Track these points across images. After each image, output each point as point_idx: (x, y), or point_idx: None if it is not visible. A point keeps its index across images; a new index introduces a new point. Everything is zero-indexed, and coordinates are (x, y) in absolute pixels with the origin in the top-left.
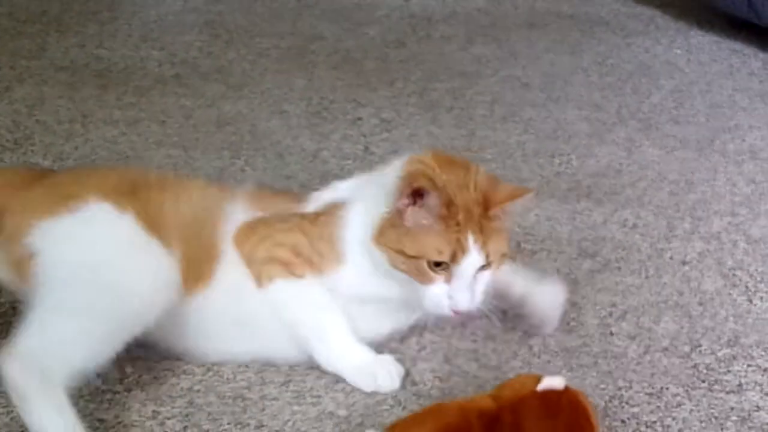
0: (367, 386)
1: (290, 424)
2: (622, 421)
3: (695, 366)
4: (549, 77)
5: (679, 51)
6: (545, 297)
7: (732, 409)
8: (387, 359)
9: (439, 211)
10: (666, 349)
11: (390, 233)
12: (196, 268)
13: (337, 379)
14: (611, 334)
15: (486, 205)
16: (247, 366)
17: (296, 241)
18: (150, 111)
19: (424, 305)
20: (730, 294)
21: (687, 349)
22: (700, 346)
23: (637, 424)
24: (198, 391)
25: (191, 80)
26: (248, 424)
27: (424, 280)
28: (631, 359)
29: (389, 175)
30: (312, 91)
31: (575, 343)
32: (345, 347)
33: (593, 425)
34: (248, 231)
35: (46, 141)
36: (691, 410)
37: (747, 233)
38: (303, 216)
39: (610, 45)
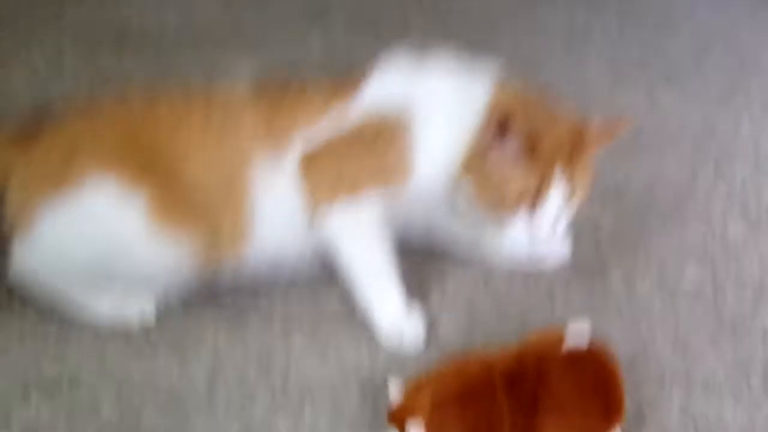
0: (390, 345)
1: (315, 376)
2: (646, 370)
3: (720, 314)
4: (570, 28)
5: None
6: None
7: (757, 356)
8: (417, 321)
9: (527, 143)
10: (690, 295)
11: (475, 163)
12: (229, 236)
13: (361, 332)
14: (635, 284)
15: (579, 138)
16: (271, 319)
17: (355, 172)
18: (169, 73)
19: (502, 250)
20: (754, 240)
21: (711, 295)
22: (724, 293)
23: (662, 372)
24: (223, 346)
25: (209, 43)
26: (273, 377)
27: (508, 212)
28: (655, 309)
29: (475, 94)
30: (328, 52)
31: (599, 295)
32: (385, 299)
33: (618, 380)
34: (310, 163)
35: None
36: (717, 358)
37: None
38: (360, 135)
39: None
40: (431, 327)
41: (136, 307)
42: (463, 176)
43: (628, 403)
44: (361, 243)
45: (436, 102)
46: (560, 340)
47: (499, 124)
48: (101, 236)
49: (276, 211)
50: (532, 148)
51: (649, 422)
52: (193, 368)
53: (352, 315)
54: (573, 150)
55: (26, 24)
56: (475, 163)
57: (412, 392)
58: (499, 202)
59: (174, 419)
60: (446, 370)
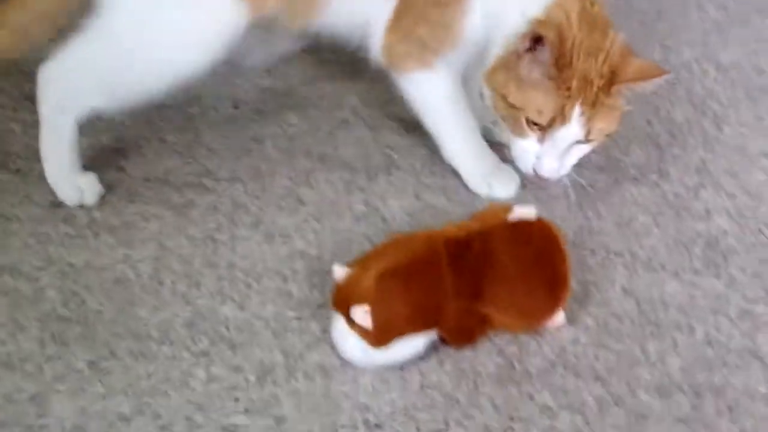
0: (482, 190)
1: (261, 263)
2: (591, 250)
3: (663, 194)
4: None
5: None
6: None
7: (699, 234)
8: (505, 169)
9: (553, 69)
10: (635, 178)
11: (500, 74)
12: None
13: (307, 219)
14: (580, 165)
15: (612, 79)
16: (216, 208)
17: (425, 33)
18: None
19: (510, 153)
20: (699, 122)
21: (655, 177)
22: (668, 174)
23: (606, 252)
24: (168, 234)
25: None
26: (218, 265)
27: (518, 132)
28: (600, 190)
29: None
30: None
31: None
32: (470, 147)
33: (563, 253)
34: (391, 24)
35: None
36: (659, 237)
37: (717, 61)
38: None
39: None
40: (377, 210)
41: (84, 187)
42: (492, 78)
43: (573, 283)
44: (443, 103)
45: None
46: (506, 212)
47: (534, 38)
48: None
49: None
50: (558, 76)
51: (593, 300)
52: (137, 255)
53: (297, 203)
54: (601, 89)
55: None
56: (506, 69)
57: (357, 273)
58: (514, 118)
59: (119, 305)
60: (391, 246)
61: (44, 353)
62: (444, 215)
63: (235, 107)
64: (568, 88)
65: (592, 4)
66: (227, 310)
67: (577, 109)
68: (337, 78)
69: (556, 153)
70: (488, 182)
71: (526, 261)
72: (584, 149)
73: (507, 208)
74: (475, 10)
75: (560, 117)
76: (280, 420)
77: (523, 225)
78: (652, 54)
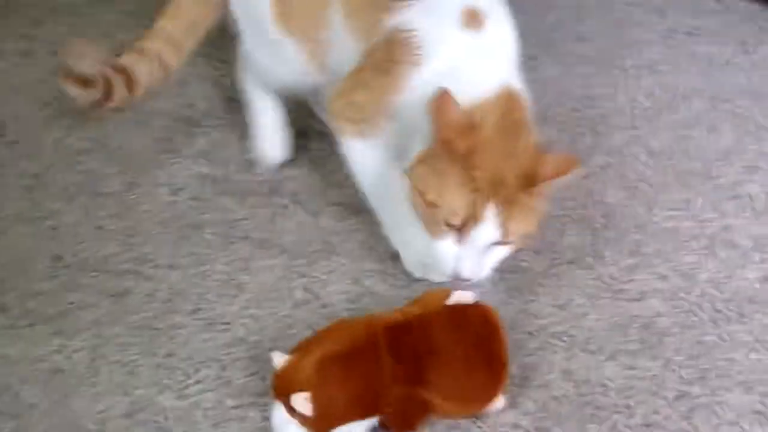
0: (417, 272)
1: (200, 351)
2: (530, 333)
3: (599, 277)
4: None
5: None
6: None
7: (635, 316)
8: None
9: (464, 169)
10: (571, 261)
11: (421, 168)
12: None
13: (247, 306)
14: (516, 253)
15: (529, 179)
16: (154, 295)
17: (363, 100)
18: (43, 41)
19: (430, 252)
20: (631, 205)
21: (591, 260)
22: (603, 257)
23: (545, 335)
24: (105, 323)
25: (83, 9)
26: (157, 353)
27: (436, 233)
28: (537, 273)
29: (481, 82)
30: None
31: None
32: (404, 228)
33: (501, 337)
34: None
35: None
36: (596, 319)
37: (647, 146)
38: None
39: None
40: (317, 297)
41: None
42: (413, 172)
43: (512, 367)
44: (376, 178)
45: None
46: (445, 297)
47: (442, 139)
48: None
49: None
50: (467, 174)
51: (533, 384)
52: (73, 345)
53: (236, 289)
54: (516, 189)
55: None
56: (426, 163)
57: (297, 360)
58: (432, 217)
59: (54, 397)
60: (331, 332)
61: None
62: (384, 300)
63: (173, 194)
64: (477, 189)
65: (513, 111)
66: (165, 399)
67: (491, 209)
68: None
69: (474, 254)
70: (423, 264)
71: (465, 345)
72: (503, 251)
73: (446, 292)
74: (412, 88)
75: (473, 218)
76: None
77: (461, 309)
78: (584, 139)
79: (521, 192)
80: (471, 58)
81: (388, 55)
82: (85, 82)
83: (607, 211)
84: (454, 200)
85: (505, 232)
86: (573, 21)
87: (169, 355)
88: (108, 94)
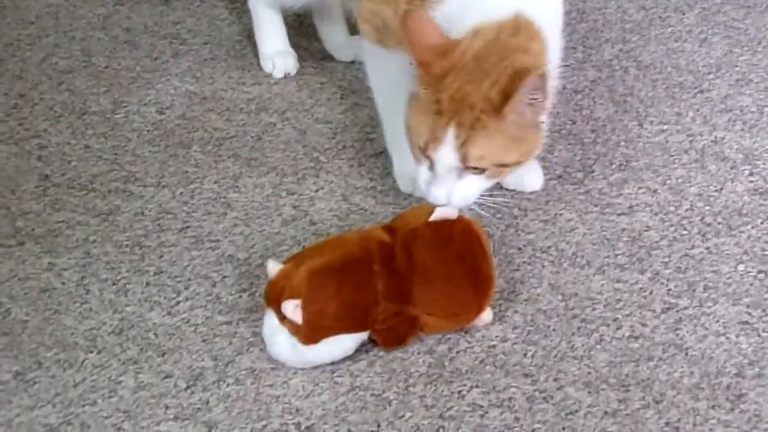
0: (405, 188)
1: (189, 269)
2: (518, 248)
3: (588, 191)
4: None
5: None
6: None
7: (623, 230)
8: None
9: (426, 87)
10: (560, 176)
11: (410, 96)
12: None
13: (236, 223)
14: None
15: (494, 102)
16: (143, 214)
17: (390, 16)
18: None
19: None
20: (621, 120)
21: (580, 175)
22: (592, 171)
23: (533, 249)
24: (94, 241)
25: None
26: (147, 271)
27: (415, 158)
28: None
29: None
30: None
31: None
32: (401, 141)
33: (485, 251)
34: None
35: None
36: (584, 234)
37: (638, 59)
38: None
39: None
40: (306, 214)
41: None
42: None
43: (500, 281)
44: (387, 88)
45: None
46: (428, 213)
47: (420, 61)
48: None
49: None
50: (431, 96)
51: (521, 298)
52: (63, 263)
53: (225, 207)
54: (485, 113)
55: None
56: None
57: (290, 269)
58: (410, 142)
59: (45, 314)
60: (325, 244)
61: None
62: (372, 217)
63: (160, 113)
64: (440, 111)
65: (512, 37)
66: (155, 316)
67: (451, 132)
68: (263, 82)
69: (441, 179)
70: (412, 180)
71: (448, 261)
72: (480, 181)
73: (429, 209)
74: (432, 7)
75: (433, 140)
76: (210, 425)
77: (444, 224)
78: (574, 53)
79: (487, 116)
80: None
81: None
82: None
83: (596, 126)
84: (419, 123)
85: (464, 156)
86: None
87: (159, 272)
88: None
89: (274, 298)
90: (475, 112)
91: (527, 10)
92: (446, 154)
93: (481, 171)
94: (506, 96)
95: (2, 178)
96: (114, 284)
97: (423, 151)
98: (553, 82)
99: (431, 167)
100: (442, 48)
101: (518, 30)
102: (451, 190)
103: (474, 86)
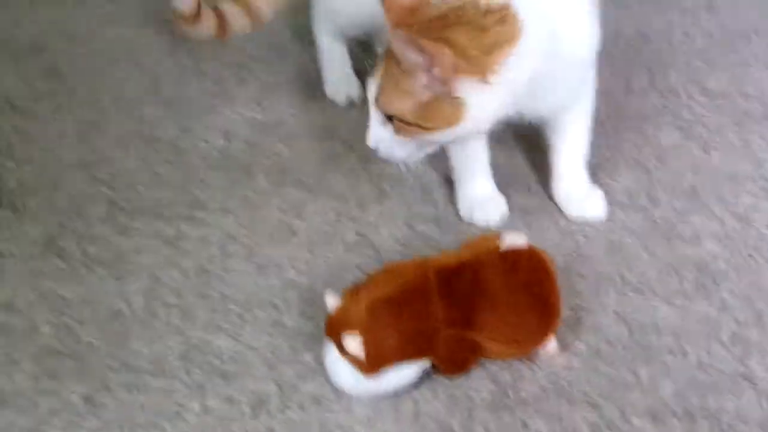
0: (465, 215)
1: (254, 294)
2: (582, 276)
3: (653, 219)
4: None
5: None
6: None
7: (689, 258)
8: (494, 199)
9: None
10: (624, 203)
11: None
12: None
13: (299, 249)
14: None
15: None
16: (208, 240)
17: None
18: None
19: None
20: (687, 147)
21: (645, 203)
22: (657, 199)
23: (597, 277)
24: (160, 266)
25: None
26: (212, 297)
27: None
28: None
29: None
30: None
31: (535, 202)
32: (464, 169)
33: (552, 280)
34: None
35: None
36: (650, 262)
37: (703, 86)
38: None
39: None
40: (367, 239)
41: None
42: None
43: (564, 309)
44: None
45: None
46: (497, 240)
47: (395, 25)
48: None
49: None
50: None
51: (585, 326)
52: (130, 288)
53: (289, 233)
54: (394, 63)
55: None
56: None
57: (349, 302)
58: None
59: (112, 338)
60: (383, 274)
61: (38, 388)
62: (435, 244)
63: (226, 139)
64: (381, 56)
65: (486, 15)
66: (221, 341)
67: (376, 78)
68: (327, 109)
69: (373, 124)
70: (471, 208)
71: (516, 288)
72: (390, 132)
73: (497, 236)
74: None
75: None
76: None
77: (513, 253)
78: (639, 78)
79: (397, 65)
80: None
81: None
82: (193, 18)
83: (661, 153)
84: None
85: (377, 102)
86: None
87: (223, 298)
88: (221, 26)
89: (334, 330)
90: (392, 62)
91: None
92: (371, 94)
93: (389, 120)
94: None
95: (73, 204)
96: (180, 309)
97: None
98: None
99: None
100: (412, 7)
101: (494, 14)
102: (378, 134)
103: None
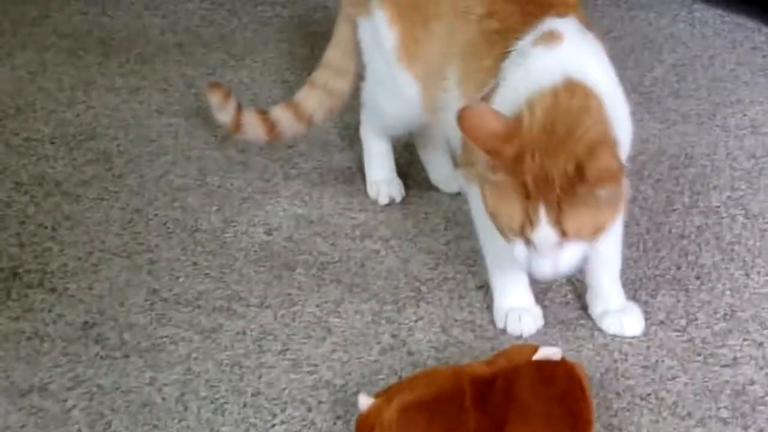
0: (499, 323)
1: (286, 392)
2: (617, 394)
3: (691, 339)
4: None
5: (682, 25)
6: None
7: (726, 382)
8: (531, 310)
9: (505, 172)
10: (662, 322)
11: (481, 183)
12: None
13: (334, 349)
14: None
15: (577, 177)
16: (244, 333)
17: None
18: (152, 79)
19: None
20: (727, 268)
21: (683, 322)
22: (696, 320)
23: (632, 396)
24: (196, 358)
25: (193, 48)
26: (245, 392)
27: (504, 238)
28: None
29: (529, 79)
30: (314, 61)
31: (573, 315)
32: (501, 276)
33: (587, 396)
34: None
35: (48, 108)
36: (686, 383)
37: (746, 208)
38: None
39: (613, 18)
40: (404, 344)
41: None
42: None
43: (598, 426)
44: (484, 222)
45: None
46: (532, 352)
47: (485, 149)
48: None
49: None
50: (514, 179)
51: None
52: (164, 378)
53: (325, 332)
54: (565, 188)
55: (9, 24)
56: (481, 180)
57: (381, 404)
58: (494, 224)
59: (144, 429)
60: (416, 379)
61: None
62: (471, 351)
63: (268, 234)
64: (527, 194)
65: (572, 94)
66: None
67: (542, 212)
68: (369, 209)
69: (544, 255)
70: (507, 318)
71: (549, 402)
72: (578, 249)
73: (533, 347)
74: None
75: (528, 222)
76: None
77: (547, 365)
78: (681, 197)
79: (573, 189)
80: (536, 51)
81: None
82: (236, 127)
83: (701, 273)
84: (507, 208)
85: (562, 231)
86: (675, 77)
87: (256, 393)
88: (271, 131)
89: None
90: (557, 189)
91: (573, 72)
92: (545, 233)
93: (581, 239)
94: (582, 173)
95: (113, 290)
96: (212, 403)
97: (519, 234)
98: (624, 136)
99: (528, 243)
100: (506, 131)
101: (573, 91)
102: (555, 261)
103: (552, 162)
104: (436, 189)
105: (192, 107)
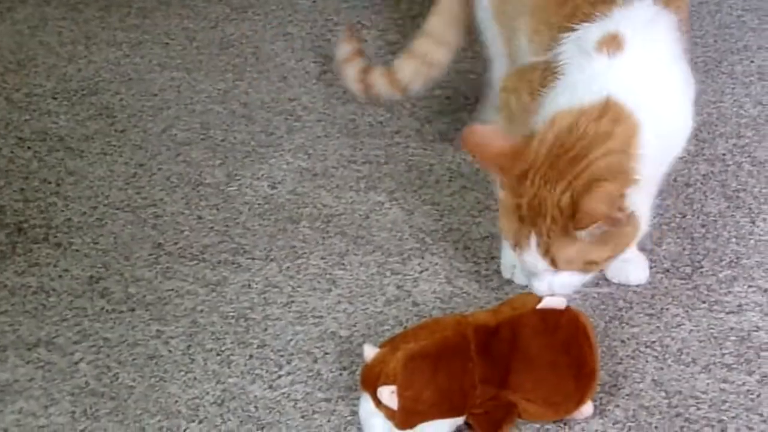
0: (506, 273)
1: (292, 343)
2: (622, 341)
3: (696, 287)
4: None
5: None
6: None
7: (731, 329)
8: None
9: (506, 192)
10: (667, 270)
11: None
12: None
13: (339, 300)
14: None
15: (571, 210)
16: (249, 286)
17: (522, 100)
18: (153, 33)
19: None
20: (733, 216)
21: (688, 270)
22: (701, 267)
23: (637, 343)
24: (201, 311)
25: (194, 1)
26: (251, 344)
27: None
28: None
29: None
30: (316, 13)
31: None
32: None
33: (591, 343)
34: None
35: (49, 62)
36: (691, 330)
37: (752, 155)
38: None
39: None
40: (408, 295)
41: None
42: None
43: (602, 374)
44: None
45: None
46: (536, 301)
47: (498, 169)
48: None
49: None
50: (512, 201)
51: (623, 392)
52: (170, 331)
53: (330, 284)
54: (556, 221)
55: None
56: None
57: (386, 354)
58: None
59: (150, 381)
60: (421, 328)
61: (76, 427)
62: (475, 301)
63: (272, 187)
64: (520, 216)
65: (600, 117)
66: (257, 389)
67: (533, 240)
68: (373, 161)
69: (540, 275)
70: (513, 267)
71: (554, 350)
72: (576, 275)
73: (537, 296)
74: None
75: (519, 245)
76: None
77: (551, 314)
78: (687, 144)
79: (564, 222)
80: (595, 57)
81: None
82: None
83: (706, 221)
84: (507, 225)
85: (552, 261)
86: None
87: (262, 345)
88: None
89: (370, 382)
90: (549, 222)
91: (619, 90)
92: (533, 259)
93: (573, 270)
94: (575, 208)
95: (118, 244)
96: (218, 355)
97: (515, 250)
98: (662, 169)
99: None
100: (514, 149)
101: (603, 113)
102: (550, 283)
103: (548, 191)
104: (439, 140)
105: (194, 60)
